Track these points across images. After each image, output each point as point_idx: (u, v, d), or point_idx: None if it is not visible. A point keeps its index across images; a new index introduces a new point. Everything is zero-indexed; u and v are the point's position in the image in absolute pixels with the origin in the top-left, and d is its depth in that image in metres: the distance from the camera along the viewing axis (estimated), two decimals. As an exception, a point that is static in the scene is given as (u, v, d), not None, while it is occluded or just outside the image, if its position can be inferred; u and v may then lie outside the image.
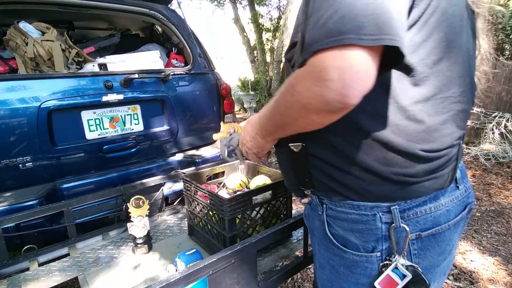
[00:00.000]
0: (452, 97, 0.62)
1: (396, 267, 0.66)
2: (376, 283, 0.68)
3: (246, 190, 1.41)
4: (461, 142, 0.70)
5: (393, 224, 0.64)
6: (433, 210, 0.66)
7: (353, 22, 0.46)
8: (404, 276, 0.66)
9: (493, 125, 4.16)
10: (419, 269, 0.66)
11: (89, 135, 1.78)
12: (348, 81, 0.47)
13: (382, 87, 0.57)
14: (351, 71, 0.47)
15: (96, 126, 1.80)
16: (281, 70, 8.73)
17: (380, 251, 0.67)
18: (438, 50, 0.58)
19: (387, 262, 0.67)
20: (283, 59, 0.84)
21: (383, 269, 0.68)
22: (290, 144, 0.73)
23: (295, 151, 0.72)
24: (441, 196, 0.67)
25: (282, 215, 1.36)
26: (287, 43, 0.73)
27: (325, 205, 0.73)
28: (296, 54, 0.63)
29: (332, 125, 0.58)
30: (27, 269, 1.26)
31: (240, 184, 1.50)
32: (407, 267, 0.66)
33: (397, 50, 0.48)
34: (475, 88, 0.71)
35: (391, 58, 0.50)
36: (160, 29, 2.57)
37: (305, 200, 0.84)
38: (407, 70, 0.57)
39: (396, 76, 0.58)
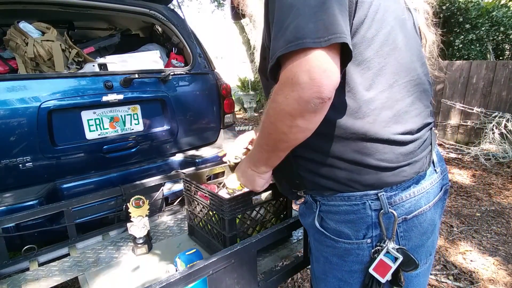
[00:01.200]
0: (412, 80, 0.70)
1: (387, 251, 0.70)
2: (370, 270, 0.72)
3: (246, 190, 1.40)
4: (433, 127, 0.77)
5: (382, 211, 0.69)
6: (416, 194, 0.72)
7: (306, 29, 0.54)
8: (396, 259, 0.70)
9: (493, 125, 4.16)
10: (408, 251, 0.71)
11: (89, 135, 1.78)
12: (318, 79, 0.54)
13: (348, 83, 0.65)
14: (318, 70, 0.54)
15: (96, 126, 1.80)
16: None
17: (370, 238, 0.72)
18: (389, 41, 0.66)
19: (378, 248, 0.72)
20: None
21: (375, 255, 0.72)
22: None
23: None
24: (422, 180, 0.73)
25: (282, 215, 1.36)
26: (258, 59, 0.81)
27: (318, 202, 0.77)
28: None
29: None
30: (27, 269, 1.26)
31: (240, 184, 1.50)
32: (397, 250, 0.70)
33: (346, 46, 0.55)
34: (427, 71, 0.78)
35: (347, 55, 0.58)
36: (160, 29, 2.57)
37: (301, 200, 0.88)
38: (367, 63, 0.64)
39: (359, 70, 0.64)
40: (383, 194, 0.69)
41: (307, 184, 0.77)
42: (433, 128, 0.78)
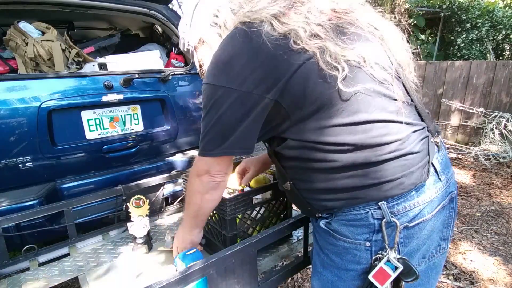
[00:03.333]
0: (377, 105, 0.71)
1: (388, 260, 0.72)
2: (370, 276, 0.73)
3: (246, 189, 1.40)
4: (429, 137, 0.79)
5: (384, 219, 0.72)
6: (420, 203, 0.74)
7: (210, 143, 0.78)
8: (396, 268, 0.71)
9: (493, 125, 4.16)
10: (409, 262, 0.72)
11: (89, 135, 1.78)
12: (212, 172, 0.86)
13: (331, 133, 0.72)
14: (203, 170, 0.86)
15: (96, 126, 1.80)
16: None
17: (369, 241, 0.74)
18: (327, 102, 0.71)
19: (379, 255, 0.74)
20: None
21: (375, 262, 0.74)
22: (283, 185, 0.88)
23: (288, 190, 0.86)
24: (426, 189, 0.75)
25: (282, 215, 1.36)
26: None
27: (332, 215, 0.82)
28: None
29: (305, 164, 0.77)
30: (27, 269, 1.26)
31: (240, 184, 1.50)
32: (398, 260, 0.72)
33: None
34: (409, 87, 0.79)
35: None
36: (160, 29, 2.57)
37: (296, 207, 1.03)
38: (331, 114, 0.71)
39: (325, 123, 0.72)
40: (383, 203, 0.72)
41: (317, 208, 0.83)
42: (431, 138, 0.79)
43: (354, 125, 0.70)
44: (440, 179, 0.78)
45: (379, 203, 0.72)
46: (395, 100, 0.74)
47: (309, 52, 0.69)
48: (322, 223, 0.83)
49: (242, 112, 0.72)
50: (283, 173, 0.86)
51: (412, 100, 0.78)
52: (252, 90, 0.70)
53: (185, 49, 0.96)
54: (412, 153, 0.73)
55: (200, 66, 0.97)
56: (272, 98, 0.71)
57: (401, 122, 0.73)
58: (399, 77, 0.77)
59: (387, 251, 0.72)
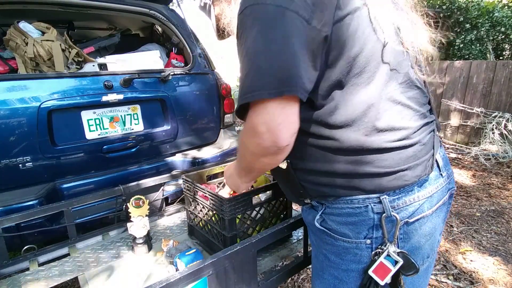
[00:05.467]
0: (400, 87, 0.69)
1: (388, 255, 0.71)
2: (370, 271, 0.72)
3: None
4: (435, 130, 0.77)
5: (384, 214, 0.70)
6: (420, 198, 0.72)
7: (262, 80, 0.58)
8: (396, 262, 0.70)
9: (493, 125, 4.16)
10: (409, 255, 0.71)
11: (89, 135, 1.78)
12: (275, 131, 0.60)
13: (338, 104, 0.67)
14: (274, 123, 0.60)
15: (96, 126, 1.80)
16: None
17: (370, 239, 0.72)
18: (375, 56, 0.66)
19: (379, 250, 0.72)
20: None
21: (375, 257, 0.72)
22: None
23: (283, 169, 0.79)
24: (427, 184, 0.73)
25: (282, 215, 1.36)
26: None
27: (324, 205, 0.78)
28: None
29: (309, 140, 0.71)
30: (27, 269, 1.26)
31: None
32: (398, 254, 0.71)
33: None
34: (418, 77, 0.76)
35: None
36: (160, 29, 2.57)
37: (296, 207, 0.91)
38: (355, 81, 0.66)
39: (348, 88, 0.66)
40: (385, 198, 0.69)
41: (310, 193, 0.78)
42: (436, 131, 0.78)
43: (376, 102, 0.66)
44: (441, 174, 0.77)
45: (381, 197, 0.69)
46: (416, 87, 0.72)
47: (361, 2, 0.64)
48: (317, 221, 0.79)
49: (297, 37, 0.58)
50: None
51: (428, 92, 0.76)
52: (305, 13, 0.59)
53: (202, 4, 0.89)
54: (420, 145, 0.71)
55: (218, 22, 0.89)
56: (324, 31, 0.61)
57: (417, 111, 0.71)
58: (419, 65, 0.75)
59: (386, 246, 0.71)
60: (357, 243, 0.73)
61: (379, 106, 0.67)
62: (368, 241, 0.73)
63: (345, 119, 0.67)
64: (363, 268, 0.75)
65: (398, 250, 0.71)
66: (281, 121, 0.60)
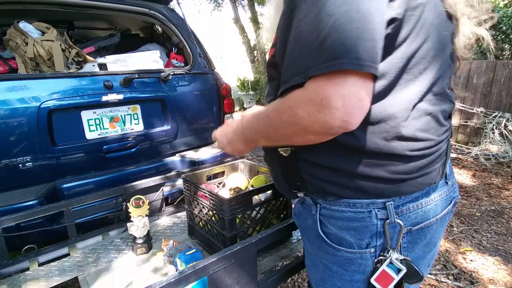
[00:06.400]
0: (436, 98, 0.65)
1: (390, 262, 0.67)
2: (372, 280, 0.69)
3: (247, 189, 1.40)
4: (450, 138, 0.74)
5: (388, 220, 0.66)
6: (424, 205, 0.68)
7: (345, 46, 0.48)
8: (399, 270, 0.67)
9: (493, 125, 4.16)
10: (412, 262, 0.68)
11: (89, 135, 1.78)
12: (351, 109, 0.49)
13: (374, 99, 0.58)
14: (355, 98, 0.49)
15: (96, 126, 1.80)
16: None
17: (374, 247, 0.69)
18: (427, 59, 0.61)
19: (382, 257, 0.69)
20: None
21: (377, 265, 0.69)
22: (279, 149, 0.73)
23: (284, 155, 0.73)
24: (432, 191, 0.70)
25: (282, 215, 1.36)
26: (268, 46, 0.73)
27: (319, 205, 0.73)
28: (281, 63, 0.61)
29: None
30: (27, 269, 1.26)
31: (242, 183, 1.50)
32: (401, 261, 0.68)
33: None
34: (450, 87, 0.74)
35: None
36: (160, 29, 2.57)
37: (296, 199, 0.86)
38: (396, 80, 0.59)
39: (386, 86, 0.59)
40: (391, 204, 0.66)
41: (309, 187, 0.73)
42: (450, 138, 0.74)
43: (408, 108, 0.60)
44: (447, 182, 0.74)
45: (386, 203, 0.65)
46: (450, 101, 0.68)
47: None
48: (319, 228, 0.73)
49: (379, 11, 0.51)
50: None
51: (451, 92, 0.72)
52: None
53: None
54: (437, 154, 0.67)
55: None
56: (398, 14, 0.55)
57: (444, 125, 0.68)
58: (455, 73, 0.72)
59: (389, 253, 0.67)
60: (361, 253, 0.69)
61: (410, 112, 0.62)
62: (372, 250, 0.69)
63: (371, 118, 0.60)
64: (368, 277, 0.71)
65: (401, 257, 0.68)
66: (361, 96, 0.50)
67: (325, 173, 0.68)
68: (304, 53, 0.52)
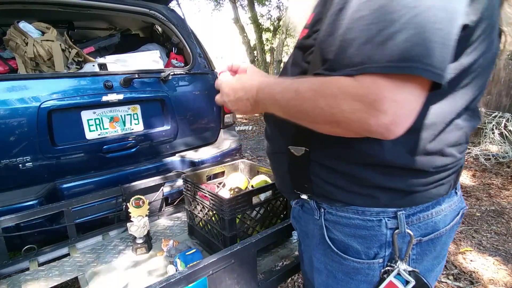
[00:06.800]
0: (468, 114, 0.61)
1: (398, 273, 0.64)
2: None
3: (247, 189, 1.40)
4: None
5: (398, 230, 0.63)
6: (434, 216, 0.66)
7: (421, 48, 0.41)
8: (407, 282, 0.64)
9: (493, 125, 4.16)
10: (421, 274, 0.65)
11: (89, 135, 1.78)
12: (400, 118, 0.45)
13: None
14: (408, 107, 0.45)
15: (96, 126, 1.80)
16: (281, 70, 8.78)
17: (382, 258, 0.66)
18: (475, 74, 0.57)
19: (389, 268, 0.66)
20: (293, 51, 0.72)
21: (384, 275, 0.66)
22: (290, 147, 0.68)
23: (295, 155, 0.68)
24: (442, 201, 0.67)
25: (282, 215, 1.36)
26: (298, 25, 0.66)
27: (323, 210, 0.70)
28: (320, 48, 0.55)
29: (347, 138, 0.56)
30: (27, 269, 1.26)
31: (242, 183, 1.50)
32: (409, 273, 0.65)
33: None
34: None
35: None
36: (160, 29, 2.57)
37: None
38: (441, 92, 0.51)
39: (428, 97, 0.51)
40: (402, 213, 0.63)
41: (316, 190, 0.68)
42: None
43: (442, 122, 0.56)
44: (456, 192, 0.71)
45: (398, 212, 0.62)
46: (478, 117, 0.65)
47: None
48: (326, 235, 0.69)
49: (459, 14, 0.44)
50: (301, 133, 0.63)
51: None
52: None
53: None
54: (456, 166, 0.64)
55: None
56: (471, 21, 0.49)
57: (468, 142, 0.65)
58: None
59: (397, 263, 0.64)
60: (369, 263, 0.66)
61: (445, 127, 0.58)
62: (381, 260, 0.66)
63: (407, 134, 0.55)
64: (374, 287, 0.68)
65: (410, 269, 0.65)
66: (415, 106, 0.45)
67: (337, 178, 0.64)
68: (361, 43, 0.45)
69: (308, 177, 0.68)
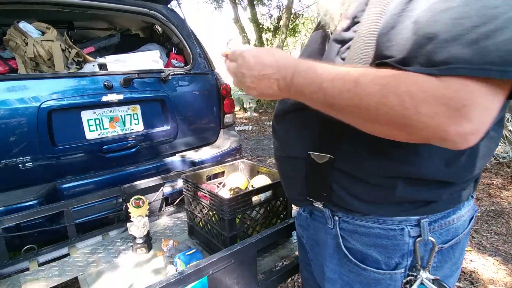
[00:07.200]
0: (499, 124, 0.59)
1: (421, 283, 0.61)
2: None
3: (247, 189, 1.40)
4: None
5: (420, 238, 0.60)
6: (455, 222, 0.63)
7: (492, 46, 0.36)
8: None
9: (493, 125, 4.16)
10: (444, 282, 0.62)
11: (89, 135, 1.78)
12: (482, 126, 0.40)
13: None
14: (491, 115, 0.40)
15: (96, 126, 1.80)
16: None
17: (404, 267, 0.62)
18: None
19: (411, 278, 0.62)
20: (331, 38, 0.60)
21: (406, 285, 0.63)
22: (311, 153, 0.63)
23: (316, 161, 0.62)
24: (462, 207, 0.65)
25: (282, 215, 1.36)
26: (335, 13, 0.58)
27: (337, 218, 0.66)
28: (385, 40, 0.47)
29: (387, 147, 0.52)
30: (27, 269, 1.26)
31: (242, 183, 1.50)
32: (432, 281, 0.61)
33: None
34: None
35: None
36: (160, 29, 2.57)
37: (295, 207, 0.80)
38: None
39: None
40: (426, 221, 0.60)
41: (334, 199, 0.64)
42: None
43: (488, 131, 0.48)
44: (472, 196, 0.69)
45: (421, 221, 0.59)
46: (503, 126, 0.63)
47: None
48: (342, 245, 0.65)
49: None
50: (327, 138, 0.59)
51: None
52: None
53: None
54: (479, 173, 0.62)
55: None
56: None
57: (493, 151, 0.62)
58: None
59: (419, 272, 0.61)
60: (391, 274, 0.62)
61: (490, 139, 0.56)
62: (402, 270, 0.62)
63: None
64: None
65: (432, 277, 0.61)
66: (494, 116, 0.40)
67: (361, 189, 0.60)
68: (447, 39, 0.39)
69: (329, 185, 0.63)
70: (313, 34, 0.72)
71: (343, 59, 0.56)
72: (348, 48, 0.54)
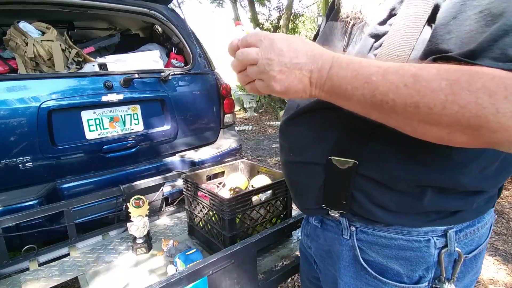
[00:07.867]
0: None
1: None
2: None
3: (247, 190, 1.40)
4: None
5: (446, 249, 0.56)
6: (480, 230, 0.60)
7: None
8: None
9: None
10: None
11: (89, 135, 1.78)
12: None
13: None
14: None
15: (96, 126, 1.80)
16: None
17: (428, 281, 0.58)
18: None
19: None
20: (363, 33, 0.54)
21: None
22: (332, 157, 0.57)
23: (338, 167, 0.56)
24: (486, 214, 0.62)
25: (282, 215, 1.36)
26: (369, 3, 0.54)
27: (355, 228, 0.61)
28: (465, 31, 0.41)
29: (420, 148, 0.46)
30: (27, 269, 1.26)
31: (242, 183, 1.50)
32: None
33: None
34: None
35: None
36: (160, 29, 2.57)
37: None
38: None
39: None
40: (453, 231, 0.55)
41: (355, 208, 0.59)
42: None
43: None
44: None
45: (448, 231, 0.55)
46: None
47: None
48: (360, 257, 0.60)
49: None
50: (352, 141, 0.54)
51: None
52: None
53: None
54: None
55: None
56: None
57: None
58: None
59: (443, 285, 0.57)
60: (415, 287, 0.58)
61: None
62: (426, 284, 0.58)
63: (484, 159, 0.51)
64: None
65: None
66: None
67: (389, 197, 0.55)
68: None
69: (350, 193, 0.58)
70: (328, 23, 0.64)
71: (374, 56, 0.50)
72: (380, 45, 0.49)
